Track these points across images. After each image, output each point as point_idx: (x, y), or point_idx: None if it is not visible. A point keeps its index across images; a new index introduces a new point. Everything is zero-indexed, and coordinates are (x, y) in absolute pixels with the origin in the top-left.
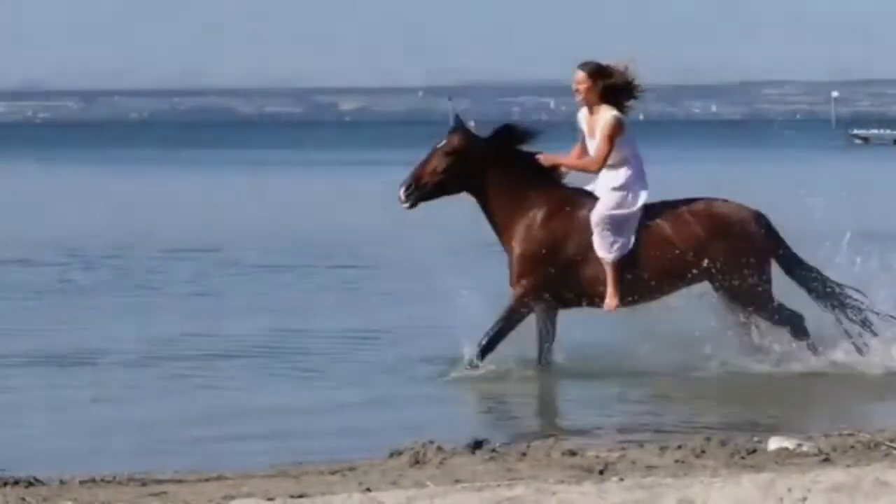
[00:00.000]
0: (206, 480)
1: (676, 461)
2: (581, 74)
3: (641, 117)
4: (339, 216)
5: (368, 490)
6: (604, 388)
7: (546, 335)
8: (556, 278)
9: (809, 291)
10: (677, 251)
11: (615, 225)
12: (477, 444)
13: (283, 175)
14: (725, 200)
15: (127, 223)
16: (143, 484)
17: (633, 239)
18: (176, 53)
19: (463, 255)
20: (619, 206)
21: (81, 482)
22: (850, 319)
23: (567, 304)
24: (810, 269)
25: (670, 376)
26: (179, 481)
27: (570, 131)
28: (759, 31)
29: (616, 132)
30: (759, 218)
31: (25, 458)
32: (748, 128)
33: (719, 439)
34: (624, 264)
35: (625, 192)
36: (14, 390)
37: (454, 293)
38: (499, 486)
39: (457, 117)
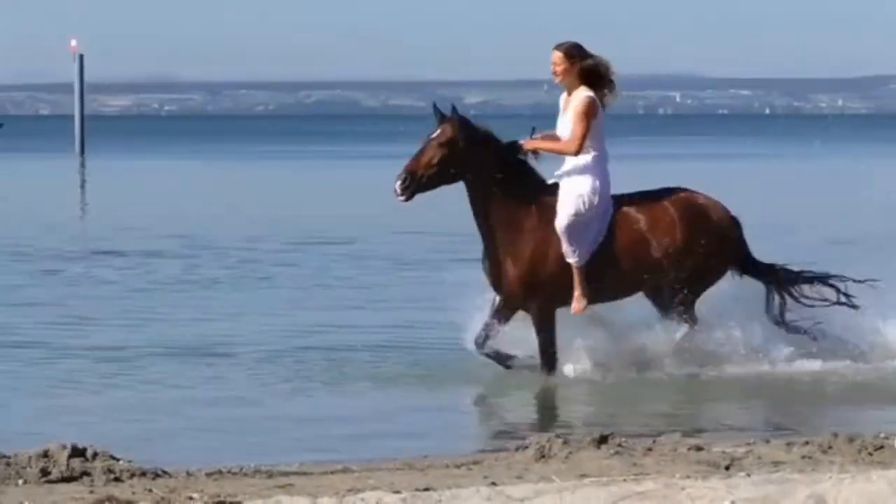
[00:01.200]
0: (332, 473)
1: (803, 457)
2: (557, 55)
3: (768, 111)
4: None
5: (494, 484)
6: (712, 386)
7: (493, 326)
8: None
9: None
10: (654, 246)
11: (580, 228)
12: (602, 439)
13: None
14: (706, 195)
15: (253, 215)
16: (269, 476)
17: (601, 237)
18: (301, 47)
19: None
20: (580, 206)
21: (208, 474)
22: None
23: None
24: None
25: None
26: (305, 473)
27: (696, 125)
28: (891, 24)
29: (591, 111)
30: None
31: (152, 449)
32: (873, 123)
33: (846, 436)
34: (600, 262)
35: (583, 184)
36: (142, 383)
37: None
38: (625, 480)
39: (452, 107)
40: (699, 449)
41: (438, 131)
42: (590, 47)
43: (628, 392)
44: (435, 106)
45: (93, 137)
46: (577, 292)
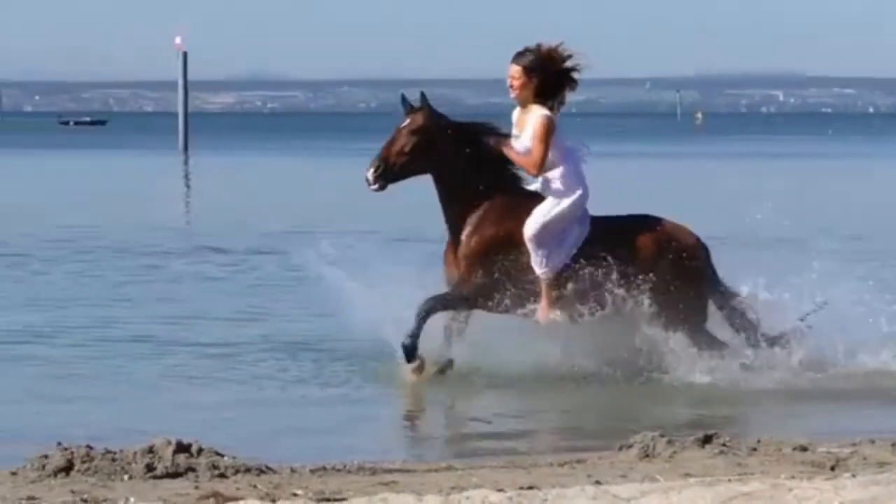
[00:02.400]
0: (435, 471)
1: None
2: (516, 68)
3: (871, 110)
4: None
5: (598, 483)
6: (815, 388)
7: (451, 335)
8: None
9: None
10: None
11: (549, 238)
12: (707, 438)
13: None
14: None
15: (356, 212)
16: (373, 473)
17: (571, 251)
18: (406, 44)
19: None
20: (550, 216)
21: (312, 471)
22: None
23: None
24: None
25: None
26: (408, 471)
27: (798, 124)
28: None
29: (548, 132)
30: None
31: (257, 445)
32: None
33: None
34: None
35: (557, 199)
36: (247, 379)
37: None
38: (730, 480)
39: (422, 95)
40: (804, 449)
41: (408, 120)
42: (549, 40)
43: (728, 393)
44: (403, 97)
45: (196, 134)
46: (543, 302)
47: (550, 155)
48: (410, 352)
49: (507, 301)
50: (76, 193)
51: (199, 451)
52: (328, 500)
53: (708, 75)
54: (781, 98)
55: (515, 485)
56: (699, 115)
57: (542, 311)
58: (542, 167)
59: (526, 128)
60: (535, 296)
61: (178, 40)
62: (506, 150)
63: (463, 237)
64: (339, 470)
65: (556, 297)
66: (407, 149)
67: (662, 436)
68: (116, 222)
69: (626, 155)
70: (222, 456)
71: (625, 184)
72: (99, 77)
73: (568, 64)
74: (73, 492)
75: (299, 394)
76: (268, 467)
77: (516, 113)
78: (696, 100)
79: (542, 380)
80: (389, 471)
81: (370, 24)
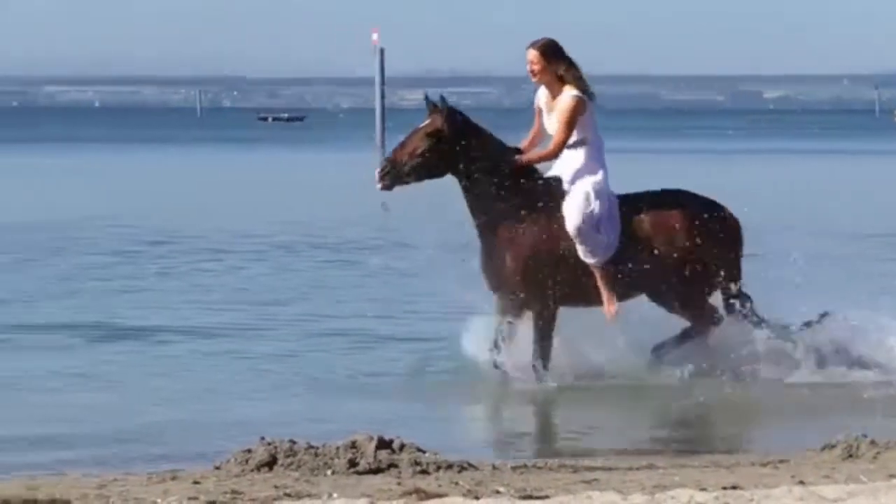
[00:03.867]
0: (637, 469)
1: None
2: (533, 53)
3: None
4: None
5: (802, 483)
6: None
7: (503, 334)
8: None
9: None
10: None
11: (589, 226)
12: None
13: (696, 164)
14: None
15: None
16: (575, 471)
17: (617, 231)
18: (590, 42)
19: None
20: (587, 202)
21: (513, 468)
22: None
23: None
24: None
25: None
26: (610, 469)
27: None
28: None
29: (576, 115)
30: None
31: (457, 441)
32: None
33: None
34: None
35: (589, 180)
36: (450, 373)
37: None
38: None
39: (441, 98)
40: None
41: (427, 121)
42: (567, 50)
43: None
44: (427, 97)
45: (393, 131)
46: (604, 295)
47: (578, 134)
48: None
49: (584, 294)
50: (275, 189)
51: (401, 447)
52: (530, 497)
53: None
54: None
55: (719, 484)
56: None
57: (606, 303)
58: (562, 150)
59: (555, 110)
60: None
61: (374, 36)
62: (532, 158)
63: (507, 260)
64: (540, 467)
65: (614, 285)
66: (419, 151)
67: (865, 436)
68: (315, 217)
69: (823, 153)
70: (424, 452)
71: (825, 182)
72: (297, 73)
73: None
74: (276, 486)
75: (499, 390)
76: (469, 464)
77: (542, 93)
78: (895, 96)
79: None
80: (591, 468)
81: (564, 23)
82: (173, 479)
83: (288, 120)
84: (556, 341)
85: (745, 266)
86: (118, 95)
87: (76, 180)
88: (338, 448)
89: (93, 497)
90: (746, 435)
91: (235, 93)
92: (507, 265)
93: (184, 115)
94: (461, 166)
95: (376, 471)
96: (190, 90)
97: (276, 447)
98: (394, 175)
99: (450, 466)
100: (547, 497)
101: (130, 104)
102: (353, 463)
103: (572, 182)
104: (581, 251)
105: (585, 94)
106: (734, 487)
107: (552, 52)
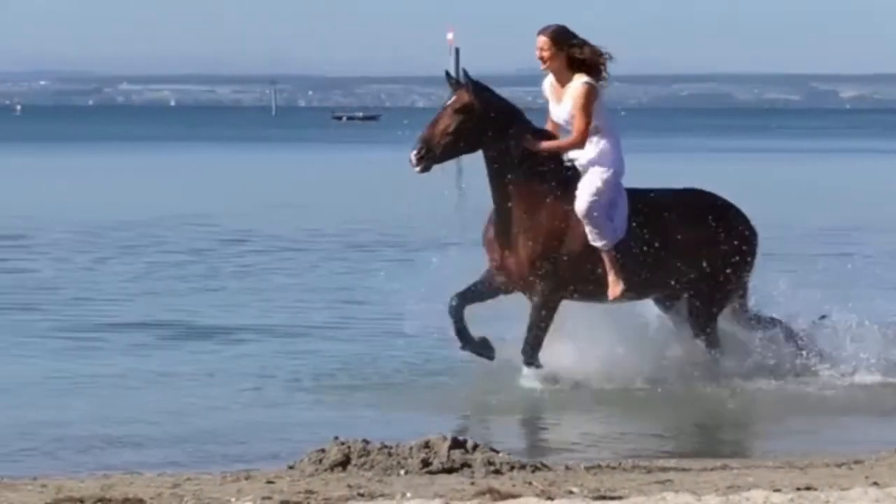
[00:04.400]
0: (711, 470)
1: None
2: (543, 39)
3: None
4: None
5: (876, 484)
6: None
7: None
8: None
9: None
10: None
11: (600, 210)
12: None
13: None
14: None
15: None
16: (648, 471)
17: (625, 217)
18: (676, 40)
19: None
20: (600, 188)
21: (587, 468)
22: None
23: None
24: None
25: None
26: (684, 470)
27: None
28: None
29: (590, 100)
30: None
31: (532, 443)
32: None
33: None
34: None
35: (603, 168)
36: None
37: None
38: None
39: (465, 72)
40: None
41: (454, 97)
42: (579, 31)
43: None
44: (447, 73)
45: None
46: (610, 276)
47: (593, 123)
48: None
49: (589, 287)
50: (349, 188)
51: (475, 447)
52: (604, 497)
53: None
54: None
55: (793, 485)
56: None
57: (612, 285)
58: (586, 137)
59: (565, 98)
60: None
61: (450, 36)
62: (545, 146)
63: (515, 222)
64: (613, 468)
65: (620, 268)
66: (451, 129)
67: None
68: (390, 216)
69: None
70: (497, 452)
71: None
72: (371, 72)
73: (595, 49)
74: (349, 486)
75: (568, 392)
76: (543, 464)
77: (548, 82)
78: None
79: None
80: (664, 469)
81: (630, 22)
82: (247, 478)
83: (363, 119)
84: (615, 343)
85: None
86: (193, 94)
87: (152, 179)
88: (411, 448)
89: (167, 496)
90: (819, 435)
91: (310, 92)
92: (520, 245)
93: (259, 114)
94: (492, 140)
95: (449, 470)
96: (265, 89)
97: (349, 447)
98: (430, 155)
99: (523, 466)
100: (621, 498)
101: (205, 103)
102: (426, 463)
103: (585, 168)
104: (589, 233)
105: (597, 80)
106: (808, 488)
107: (562, 39)
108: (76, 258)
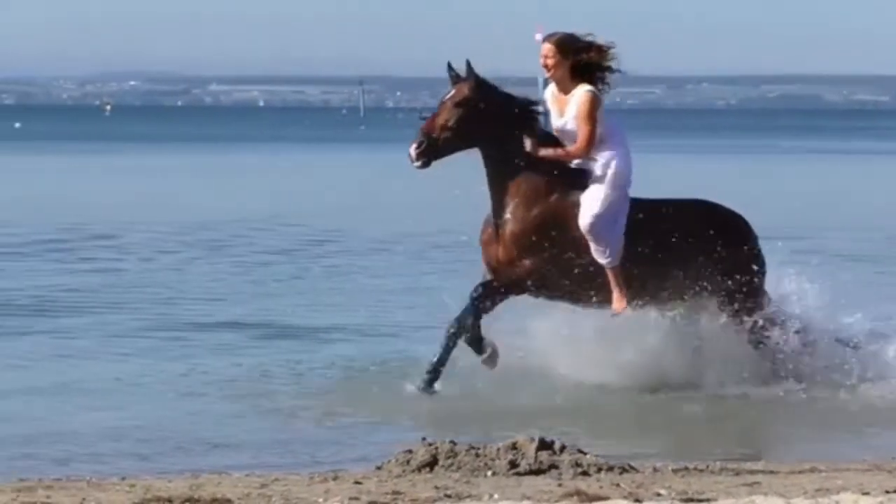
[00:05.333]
0: (799, 472)
1: None
2: (548, 47)
3: None
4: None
5: None
6: None
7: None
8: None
9: None
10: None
11: (604, 226)
12: None
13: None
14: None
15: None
16: (736, 474)
17: (622, 233)
18: (765, 41)
19: None
20: (602, 203)
21: (674, 470)
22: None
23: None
24: None
25: None
26: (772, 472)
27: None
28: None
29: (594, 108)
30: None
31: (616, 443)
32: None
33: None
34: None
35: (605, 184)
36: (611, 374)
37: None
38: None
39: (468, 65)
40: None
41: (453, 91)
42: (582, 32)
43: None
44: (449, 65)
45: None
46: (615, 292)
47: (598, 131)
48: (473, 344)
49: (566, 285)
50: (437, 186)
51: (562, 448)
52: (692, 500)
53: None
54: None
55: (882, 488)
56: None
57: (616, 300)
58: (592, 146)
59: (569, 107)
60: (596, 281)
61: (538, 36)
62: (548, 154)
63: (508, 215)
64: (701, 470)
65: (625, 286)
66: (451, 123)
67: None
68: (478, 216)
69: None
70: (585, 454)
71: None
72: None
73: (602, 52)
74: (436, 487)
75: (653, 395)
76: (630, 466)
77: (550, 91)
78: None
79: None
80: (752, 472)
81: (726, 23)
82: (335, 479)
83: None
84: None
85: None
86: (282, 95)
87: (240, 179)
88: (499, 449)
89: (255, 496)
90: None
91: (398, 92)
92: (512, 224)
93: (347, 115)
94: (493, 135)
95: (537, 472)
96: (353, 90)
97: (437, 448)
98: (431, 149)
99: (610, 468)
100: (709, 500)
101: (294, 103)
102: (513, 464)
103: (592, 181)
104: (593, 250)
105: (599, 88)
106: None
107: (568, 47)
108: (164, 258)
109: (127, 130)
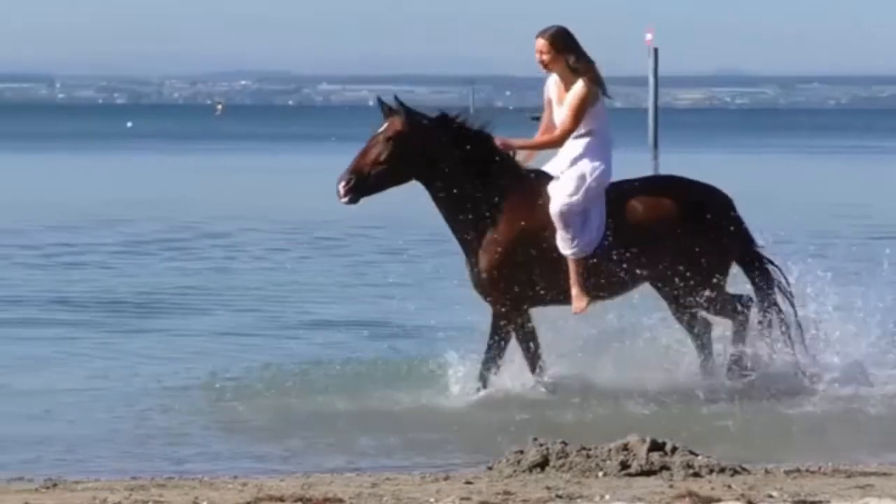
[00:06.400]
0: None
1: None
2: (542, 42)
3: None
4: None
5: None
6: None
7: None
8: (530, 280)
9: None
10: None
11: (574, 216)
12: None
13: None
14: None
15: (822, 208)
16: (848, 476)
17: (602, 230)
18: (879, 40)
19: None
20: (576, 191)
21: (786, 472)
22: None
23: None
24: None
25: None
26: (885, 475)
27: None
28: None
29: (586, 103)
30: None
31: (726, 444)
32: None
33: None
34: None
35: (580, 173)
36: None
37: None
38: None
39: (396, 99)
40: None
41: (386, 125)
42: (577, 36)
43: None
44: (379, 99)
45: (664, 131)
46: (574, 290)
47: (585, 125)
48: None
49: (544, 295)
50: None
51: (674, 449)
52: (804, 502)
53: None
54: None
55: None
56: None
57: (575, 299)
58: (567, 138)
59: (566, 100)
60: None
61: (648, 36)
62: (513, 143)
63: (481, 254)
64: (813, 472)
65: (586, 282)
66: (383, 157)
67: None
68: None
69: None
70: (696, 455)
71: None
72: None
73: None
74: (547, 488)
75: (759, 393)
76: (742, 467)
77: (552, 81)
78: None
79: None
80: (865, 474)
81: (828, 24)
82: (446, 479)
83: None
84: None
85: None
86: (399, 94)
87: None
88: (609, 450)
89: (366, 496)
90: None
91: (508, 92)
92: (480, 267)
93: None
94: (430, 168)
95: (648, 473)
96: (463, 89)
97: (548, 448)
98: (359, 187)
99: (722, 470)
100: (821, 503)
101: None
102: (624, 465)
103: (571, 168)
104: (559, 239)
105: (598, 86)
106: None
107: (562, 42)
108: (277, 256)
109: (238, 130)
